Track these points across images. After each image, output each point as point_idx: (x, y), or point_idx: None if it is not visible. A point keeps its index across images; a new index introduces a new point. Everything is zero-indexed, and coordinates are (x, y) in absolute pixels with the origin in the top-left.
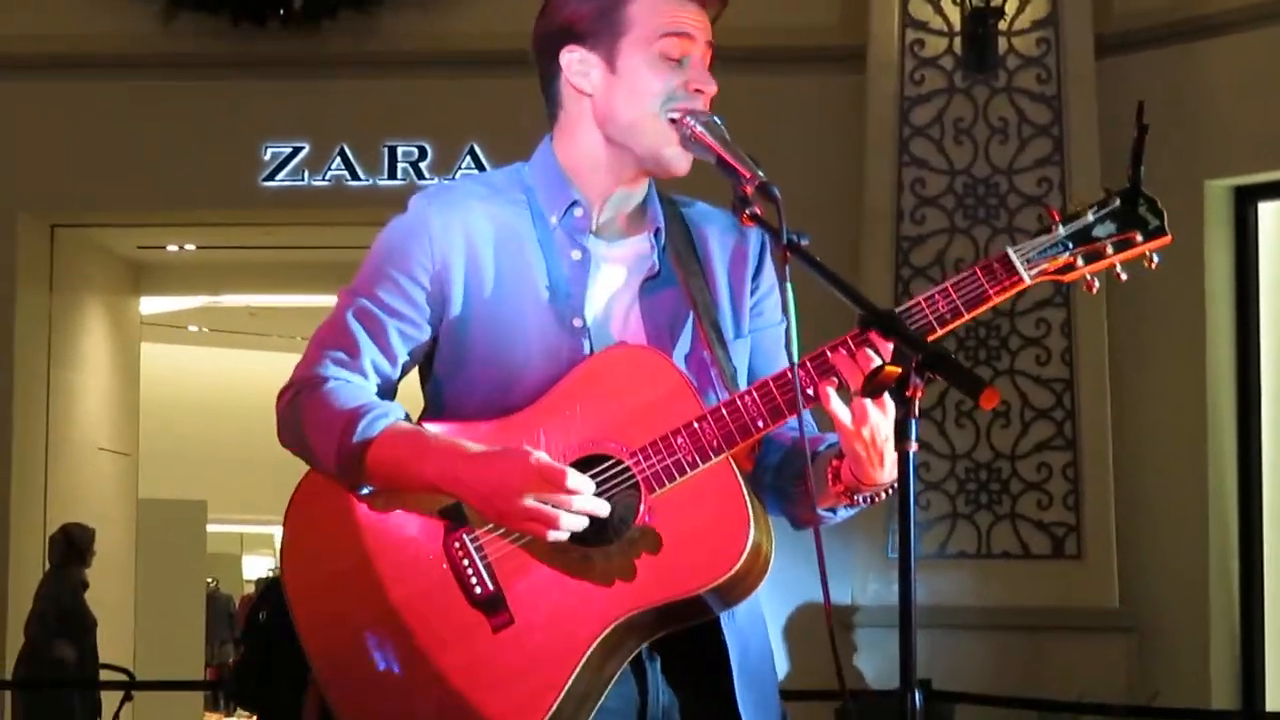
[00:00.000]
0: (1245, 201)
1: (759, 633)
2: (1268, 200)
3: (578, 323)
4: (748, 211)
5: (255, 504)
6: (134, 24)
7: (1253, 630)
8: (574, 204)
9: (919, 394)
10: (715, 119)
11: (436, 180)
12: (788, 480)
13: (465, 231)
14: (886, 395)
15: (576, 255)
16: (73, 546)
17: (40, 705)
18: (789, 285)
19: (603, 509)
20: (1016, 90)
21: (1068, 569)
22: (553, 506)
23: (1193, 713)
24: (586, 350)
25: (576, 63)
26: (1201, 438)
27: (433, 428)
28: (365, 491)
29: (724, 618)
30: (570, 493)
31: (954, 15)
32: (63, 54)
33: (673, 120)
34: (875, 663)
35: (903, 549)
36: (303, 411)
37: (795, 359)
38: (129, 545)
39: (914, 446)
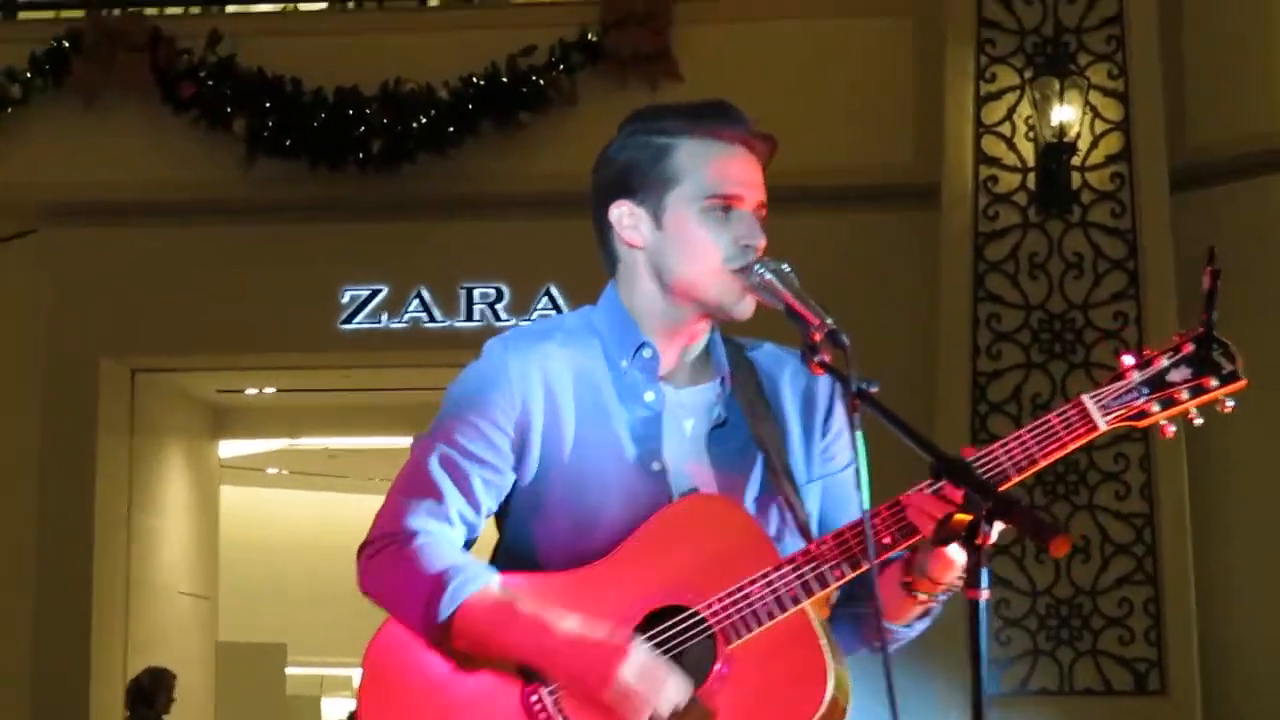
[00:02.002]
0: None
1: None
2: None
3: (656, 466)
4: (817, 359)
5: (335, 646)
6: (213, 170)
7: None
8: (643, 345)
9: (988, 542)
10: (784, 266)
11: (514, 322)
12: (858, 601)
13: (544, 376)
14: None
15: (650, 397)
16: (141, 692)
17: None
18: (859, 434)
19: (684, 697)
20: (1091, 225)
21: (1151, 705)
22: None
23: None
24: (667, 493)
25: (626, 217)
26: None
27: (511, 579)
28: (450, 652)
29: None
30: (657, 686)
31: (1028, 151)
32: (143, 200)
33: (738, 270)
34: None
35: (974, 695)
36: (389, 569)
37: (867, 505)
38: (209, 689)
39: (985, 595)
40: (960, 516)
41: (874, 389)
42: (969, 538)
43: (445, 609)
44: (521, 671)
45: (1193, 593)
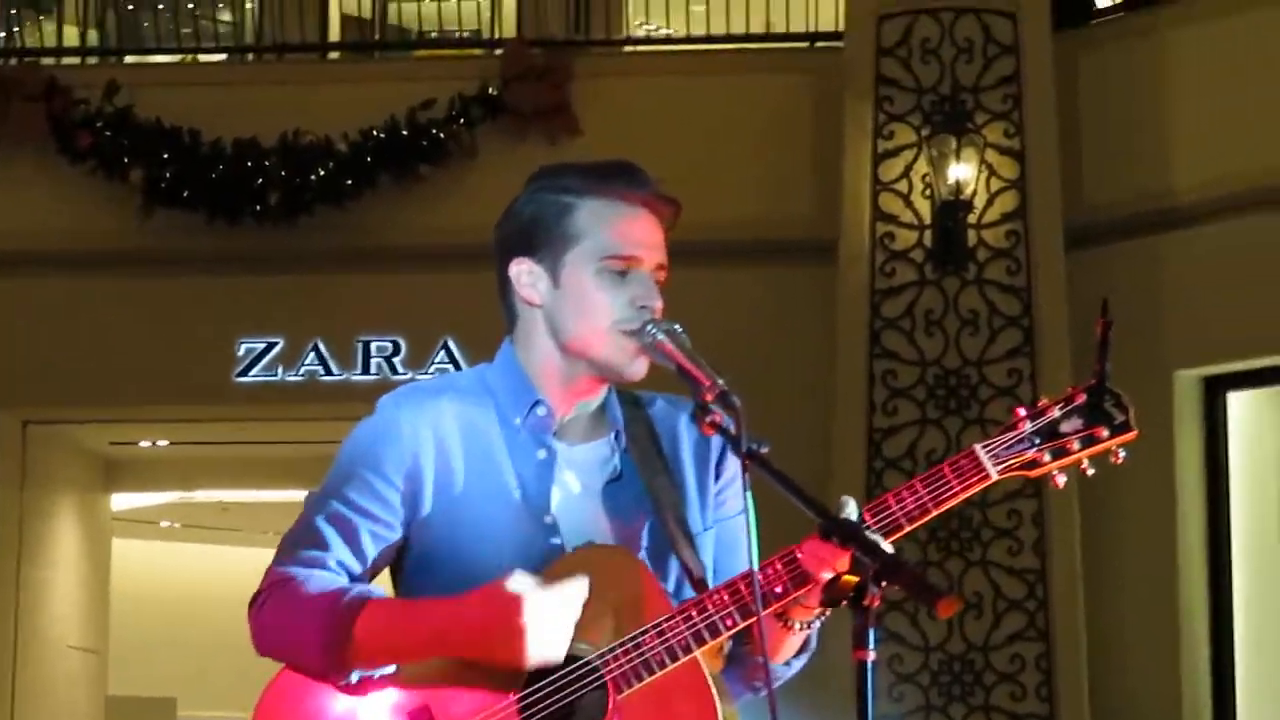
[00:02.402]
0: (1215, 391)
1: None
2: (1237, 390)
3: (549, 520)
4: (708, 419)
5: (226, 699)
6: (109, 221)
7: None
8: (537, 403)
9: (875, 603)
10: (676, 326)
11: (410, 375)
12: (738, 643)
13: (435, 432)
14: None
15: (541, 454)
16: None
17: None
18: (749, 494)
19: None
20: (986, 282)
21: None
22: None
23: None
24: (561, 546)
25: (525, 274)
26: (1175, 627)
27: None
28: (353, 679)
29: None
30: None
31: (924, 208)
32: (37, 250)
33: (630, 331)
34: None
35: None
36: (278, 608)
37: (755, 564)
38: None
39: (871, 656)
40: (847, 578)
41: (765, 449)
42: (856, 599)
43: (345, 611)
44: (410, 718)
45: (1084, 648)
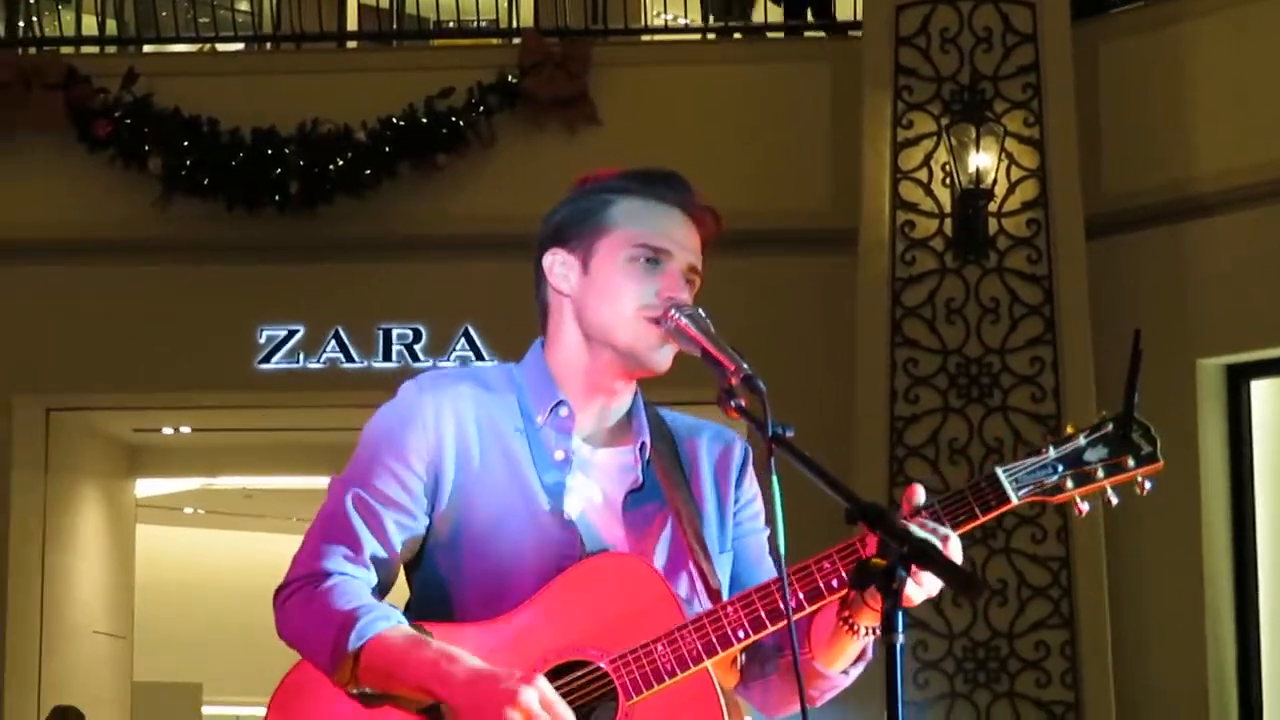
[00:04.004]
0: (1238, 380)
1: None
2: (1260, 378)
3: (567, 517)
4: (733, 404)
5: (251, 686)
6: (130, 209)
7: None
8: (560, 403)
9: (905, 588)
10: (699, 312)
11: (431, 363)
12: (772, 658)
13: (457, 421)
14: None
15: (560, 455)
16: None
17: None
18: (775, 479)
19: None
20: (1007, 271)
21: None
22: None
23: None
24: (580, 547)
25: (558, 265)
26: (1199, 614)
27: (422, 626)
28: (355, 692)
29: None
30: None
31: (944, 197)
32: (59, 239)
33: (654, 319)
34: None
35: None
36: (301, 608)
37: (782, 550)
38: None
39: (900, 639)
40: (876, 561)
41: (790, 434)
42: (885, 583)
43: (354, 642)
44: (425, 715)
45: (1109, 636)
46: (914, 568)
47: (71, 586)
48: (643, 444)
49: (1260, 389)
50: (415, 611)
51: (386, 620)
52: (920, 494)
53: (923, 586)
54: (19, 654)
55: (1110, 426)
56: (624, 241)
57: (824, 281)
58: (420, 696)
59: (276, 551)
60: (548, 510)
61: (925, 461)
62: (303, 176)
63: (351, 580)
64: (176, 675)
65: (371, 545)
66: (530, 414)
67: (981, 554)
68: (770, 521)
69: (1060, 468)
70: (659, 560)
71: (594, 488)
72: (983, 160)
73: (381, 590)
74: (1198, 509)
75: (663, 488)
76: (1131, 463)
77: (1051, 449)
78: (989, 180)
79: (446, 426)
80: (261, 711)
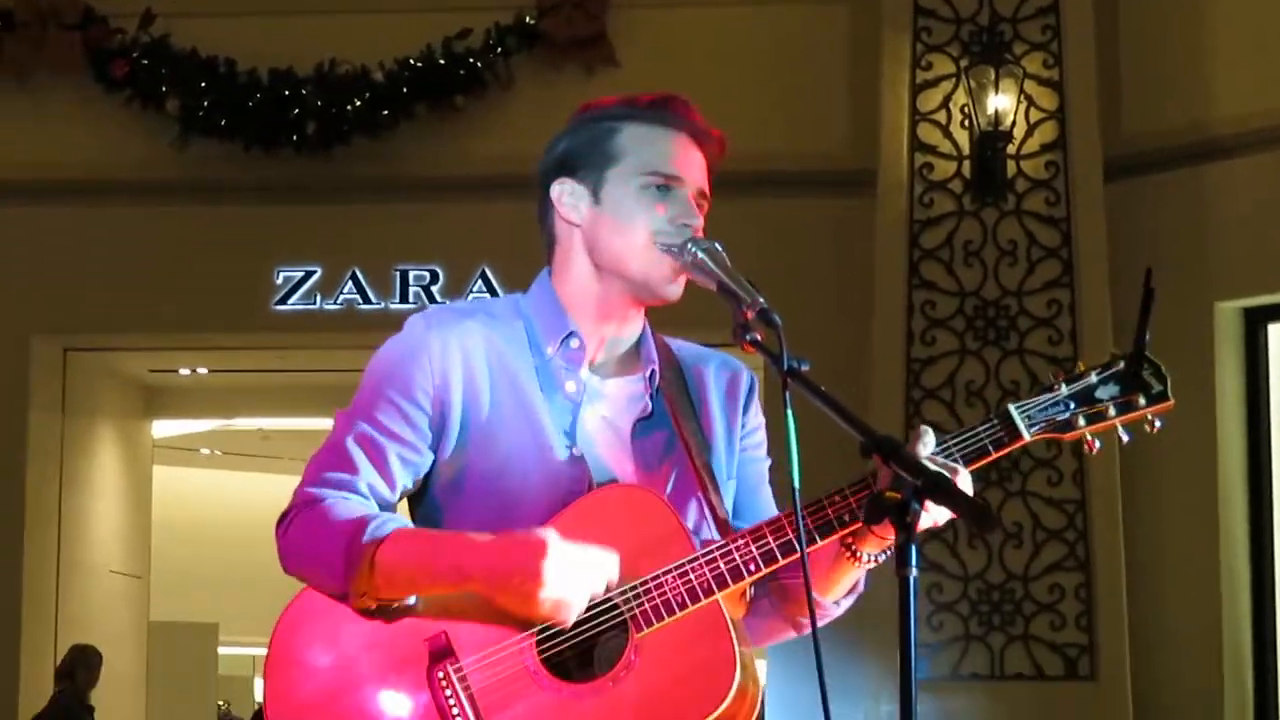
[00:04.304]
0: (1255, 323)
1: None
2: (1278, 321)
3: (576, 452)
4: (748, 338)
5: (267, 626)
6: (147, 150)
7: None
8: (570, 335)
9: (917, 521)
10: (716, 245)
11: (448, 303)
12: (783, 577)
13: (464, 355)
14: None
15: (571, 387)
16: (61, 667)
17: None
18: (790, 413)
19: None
20: (1025, 213)
21: (1081, 690)
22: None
23: None
24: (587, 480)
25: (567, 194)
26: (1214, 558)
27: None
28: (372, 606)
29: None
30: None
31: (963, 139)
32: (76, 180)
33: (670, 249)
34: None
35: (904, 673)
36: (304, 530)
37: (797, 484)
38: (140, 668)
39: (914, 572)
40: (890, 494)
41: (805, 367)
42: (899, 516)
43: (369, 538)
44: (430, 644)
45: (1124, 579)
46: (927, 501)
47: (88, 527)
48: (652, 372)
49: (1278, 332)
50: None
51: (394, 521)
52: (928, 434)
53: (930, 512)
54: (36, 593)
55: (1122, 364)
56: (634, 169)
57: (841, 223)
58: (448, 580)
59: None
60: (557, 445)
61: (942, 404)
62: (320, 117)
63: (349, 499)
64: (193, 615)
65: (369, 475)
66: (539, 346)
67: (997, 497)
68: (785, 455)
69: (1072, 405)
70: (668, 490)
71: (603, 419)
72: (1001, 102)
73: None
74: (1214, 452)
75: (671, 416)
76: (1142, 401)
77: (1064, 386)
78: (1007, 122)
79: (453, 362)
80: None
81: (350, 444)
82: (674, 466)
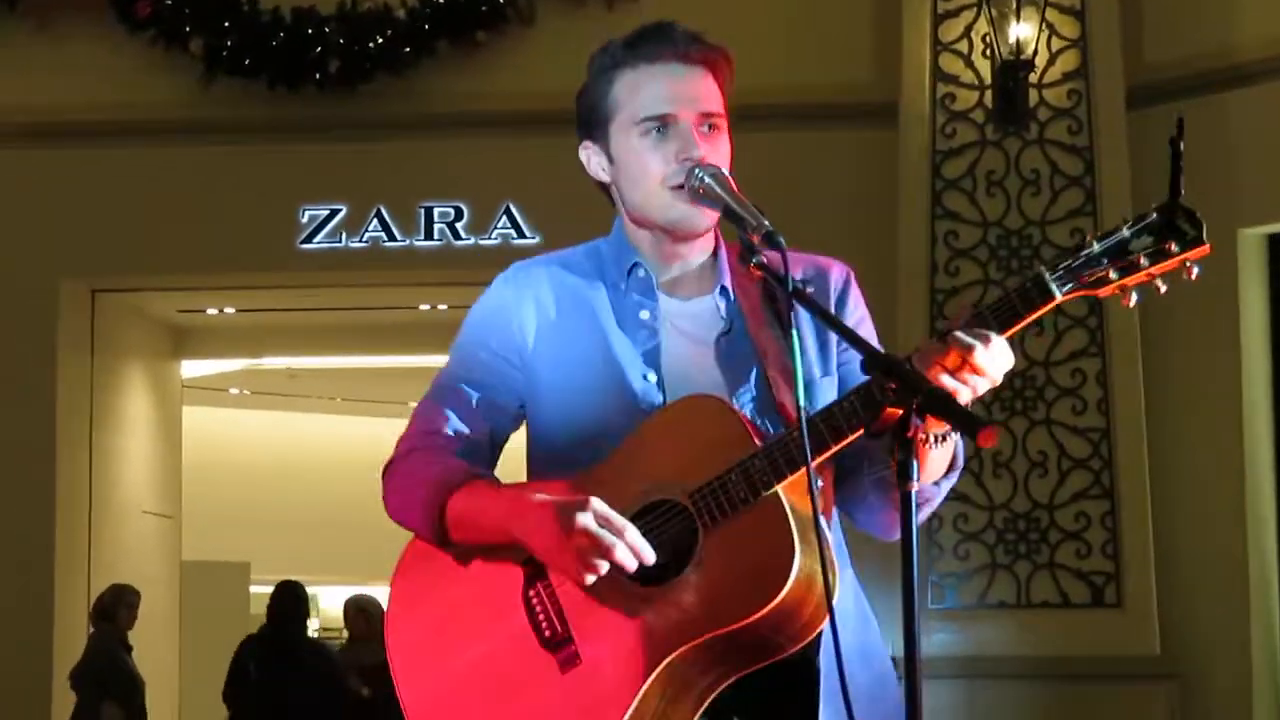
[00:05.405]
0: (1278, 249)
1: (871, 671)
2: None
3: (652, 377)
4: (754, 260)
5: (298, 564)
6: (171, 90)
7: None
8: (636, 265)
9: (919, 435)
10: (722, 170)
11: (473, 241)
12: (878, 467)
13: (536, 301)
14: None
15: (645, 315)
16: (102, 609)
17: None
18: (794, 332)
19: (648, 552)
20: (1048, 142)
21: (1108, 618)
22: (597, 551)
23: None
24: (660, 402)
25: (591, 157)
26: (1240, 485)
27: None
28: (453, 547)
29: (825, 666)
30: (616, 534)
31: (984, 69)
32: (101, 121)
33: (677, 186)
34: None
35: (905, 590)
36: (397, 481)
37: (801, 399)
38: (173, 607)
39: (915, 486)
40: (891, 409)
41: (810, 288)
42: (900, 430)
43: (444, 490)
44: (525, 566)
45: (1149, 507)
46: (929, 417)
47: (119, 467)
48: (722, 287)
49: None
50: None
51: (471, 473)
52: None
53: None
54: (68, 535)
55: (1154, 215)
56: (629, 121)
57: (864, 155)
58: (502, 540)
59: (321, 431)
60: (633, 374)
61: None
62: (343, 55)
63: (438, 448)
64: (224, 554)
65: (457, 425)
66: (614, 281)
67: (1022, 425)
68: (782, 356)
69: (1104, 260)
70: (754, 398)
71: (687, 339)
72: (1023, 31)
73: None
74: (1238, 378)
75: (750, 326)
76: (1176, 248)
77: (1096, 244)
78: (1029, 51)
79: (527, 308)
80: (309, 590)
81: (438, 397)
82: (750, 378)
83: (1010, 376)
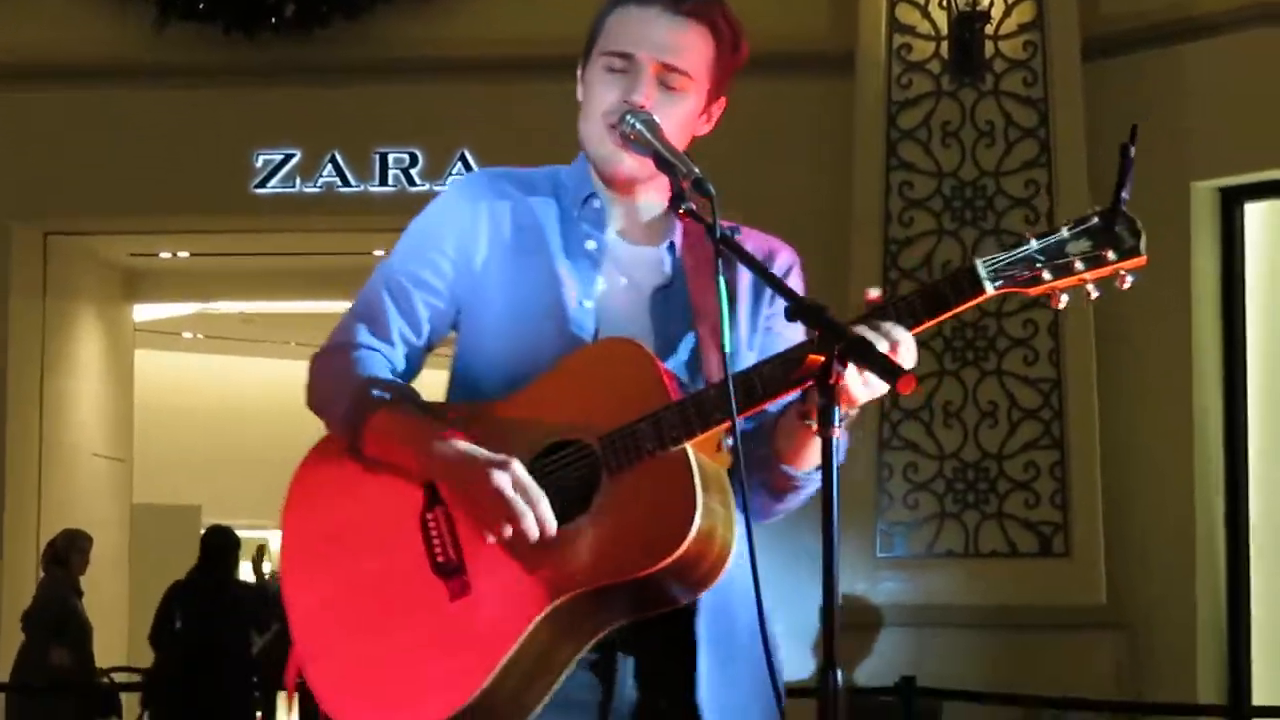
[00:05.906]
0: (1231, 202)
1: (751, 612)
2: (1253, 201)
3: (589, 304)
4: (683, 207)
5: (250, 508)
6: (126, 33)
7: (1239, 625)
8: (591, 195)
9: (840, 381)
10: (654, 118)
11: (428, 187)
12: (760, 447)
13: (490, 211)
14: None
15: (591, 245)
16: (55, 554)
17: (32, 710)
18: (720, 279)
19: (551, 528)
20: (1003, 93)
21: (1055, 567)
22: (506, 515)
23: (1179, 707)
24: (594, 330)
25: (579, 84)
26: (1188, 436)
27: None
28: (362, 458)
29: (703, 616)
30: (530, 503)
31: (941, 19)
32: (54, 63)
33: (612, 126)
34: (863, 662)
35: (825, 538)
36: (326, 369)
37: (728, 348)
38: (123, 550)
39: (837, 432)
40: (813, 356)
41: (737, 235)
42: (822, 377)
43: (364, 406)
44: (425, 492)
45: (1098, 458)
46: (856, 369)
47: (70, 410)
48: (671, 243)
49: (1254, 211)
50: (448, 394)
51: (396, 393)
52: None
53: (868, 386)
54: (18, 477)
55: (1095, 219)
56: (599, 52)
57: (820, 105)
58: (414, 467)
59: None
60: (570, 297)
61: (919, 284)
62: (298, 0)
63: (374, 354)
64: (176, 498)
65: (398, 323)
66: (568, 208)
67: (973, 375)
68: (716, 319)
69: (1040, 259)
70: (679, 357)
71: (624, 281)
72: None
73: (409, 368)
74: (1189, 331)
75: (690, 286)
76: (1113, 255)
77: (1034, 241)
78: (985, 2)
79: (480, 217)
80: (259, 534)
81: (381, 291)
82: (687, 334)
83: (961, 327)
